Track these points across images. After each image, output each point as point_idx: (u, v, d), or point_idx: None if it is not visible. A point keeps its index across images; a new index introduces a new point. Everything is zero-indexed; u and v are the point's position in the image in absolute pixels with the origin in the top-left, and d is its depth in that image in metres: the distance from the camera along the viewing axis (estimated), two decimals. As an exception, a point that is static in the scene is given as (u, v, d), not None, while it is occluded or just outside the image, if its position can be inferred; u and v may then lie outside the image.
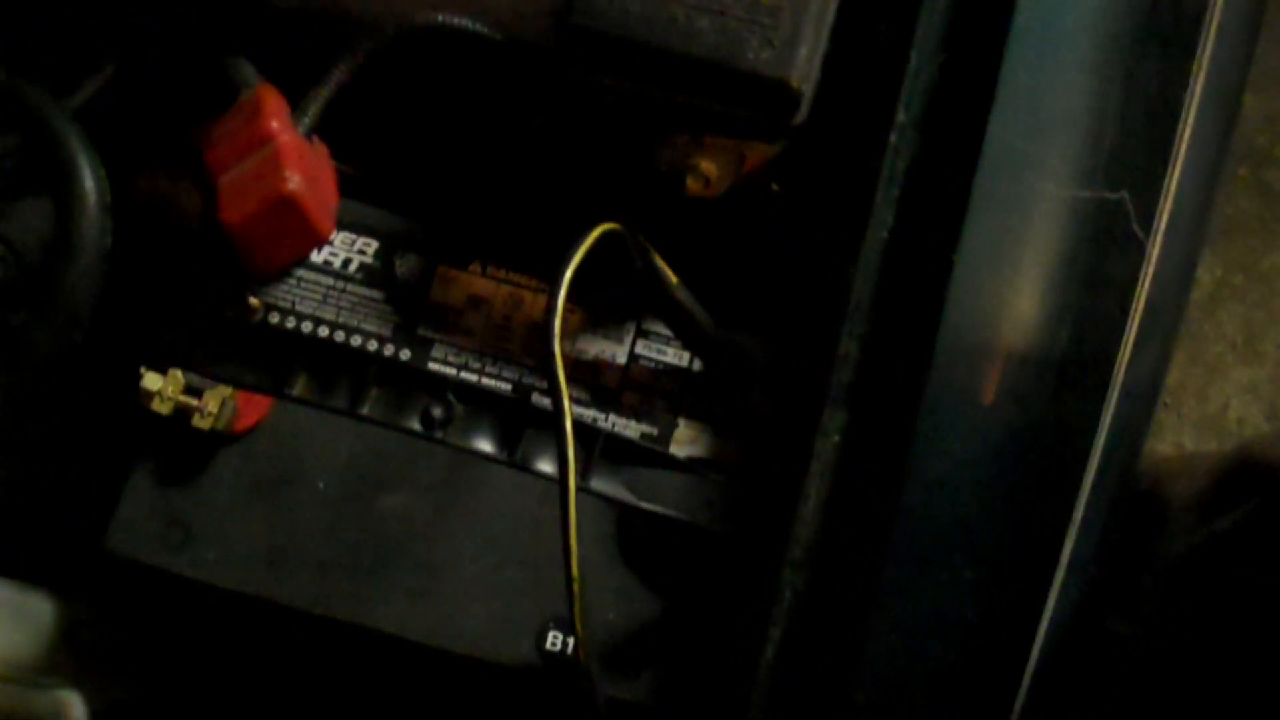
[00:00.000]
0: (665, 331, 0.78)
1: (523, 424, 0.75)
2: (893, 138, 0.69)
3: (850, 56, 0.71)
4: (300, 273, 0.78)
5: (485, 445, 0.75)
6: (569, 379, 0.67)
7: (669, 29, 0.67)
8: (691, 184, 0.73)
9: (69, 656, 0.81)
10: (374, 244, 0.79)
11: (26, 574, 0.80)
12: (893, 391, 0.68)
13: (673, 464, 0.75)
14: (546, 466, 0.75)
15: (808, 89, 0.68)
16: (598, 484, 0.74)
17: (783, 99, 0.68)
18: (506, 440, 0.75)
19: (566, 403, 0.64)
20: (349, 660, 0.83)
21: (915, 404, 0.67)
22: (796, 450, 0.70)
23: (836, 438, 0.69)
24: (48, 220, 0.78)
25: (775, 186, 0.74)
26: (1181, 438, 1.61)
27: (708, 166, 0.73)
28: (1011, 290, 0.68)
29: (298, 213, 0.72)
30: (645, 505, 0.74)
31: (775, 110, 0.69)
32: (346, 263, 0.78)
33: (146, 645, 0.87)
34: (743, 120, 0.71)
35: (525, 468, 0.75)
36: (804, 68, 0.67)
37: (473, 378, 0.77)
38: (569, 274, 0.66)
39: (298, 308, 0.78)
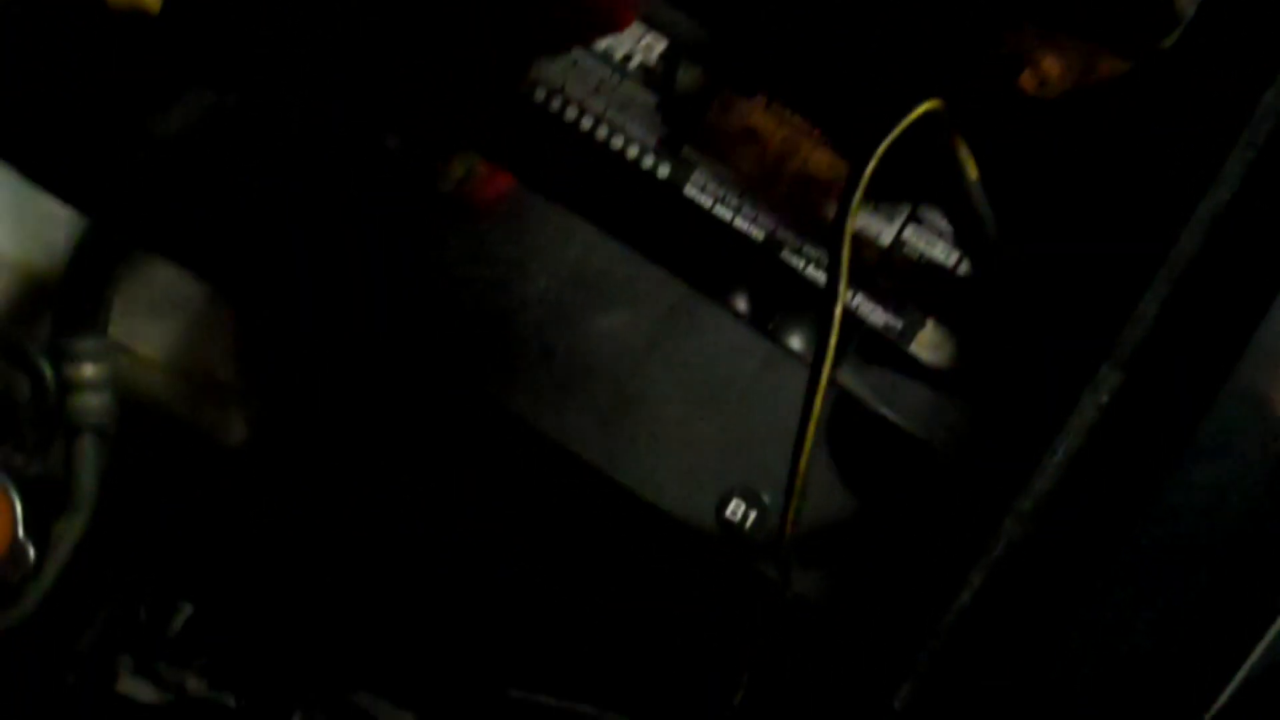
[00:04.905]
0: (941, 224, 0.71)
1: (782, 295, 0.70)
2: (1268, 96, 0.62)
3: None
4: (576, 54, 0.72)
5: (739, 303, 0.71)
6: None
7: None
8: (1027, 79, 0.66)
9: (243, 369, 0.79)
10: (661, 45, 0.73)
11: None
12: (1183, 370, 0.62)
13: (925, 375, 0.70)
14: (796, 343, 0.70)
15: (1190, 11, 0.61)
16: (843, 377, 0.69)
17: (1162, 16, 0.61)
18: (760, 308, 0.70)
19: (842, 295, 0.59)
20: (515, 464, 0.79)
21: (1208, 393, 0.61)
22: (1054, 395, 0.64)
23: (1105, 398, 0.63)
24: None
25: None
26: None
27: (1050, 65, 0.66)
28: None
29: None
30: (885, 411, 0.69)
31: (1150, 26, 0.62)
32: (627, 57, 0.72)
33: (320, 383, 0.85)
34: (1109, 27, 0.63)
35: (776, 339, 0.70)
36: (1194, -10, 0.60)
37: (727, 214, 0.71)
38: (881, 150, 0.60)
39: (567, 89, 0.72)
